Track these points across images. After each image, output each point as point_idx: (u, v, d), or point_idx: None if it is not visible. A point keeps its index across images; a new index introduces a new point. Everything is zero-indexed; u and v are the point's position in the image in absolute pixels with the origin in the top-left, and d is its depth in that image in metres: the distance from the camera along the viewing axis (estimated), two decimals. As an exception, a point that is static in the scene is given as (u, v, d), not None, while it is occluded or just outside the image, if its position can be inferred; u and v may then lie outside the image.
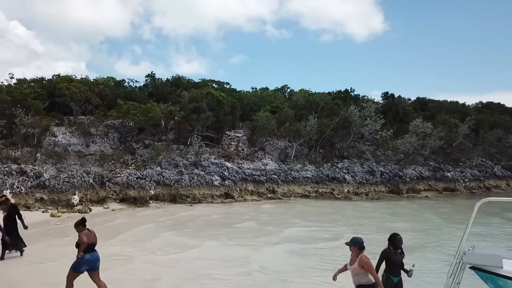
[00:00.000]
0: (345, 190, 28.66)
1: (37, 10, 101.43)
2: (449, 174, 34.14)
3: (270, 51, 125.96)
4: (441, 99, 48.13)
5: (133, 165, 26.35)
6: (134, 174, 24.12)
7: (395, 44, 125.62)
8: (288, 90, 46.04)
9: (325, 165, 30.86)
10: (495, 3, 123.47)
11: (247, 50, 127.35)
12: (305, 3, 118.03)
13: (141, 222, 16.80)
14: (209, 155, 27.95)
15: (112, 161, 25.86)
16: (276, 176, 27.81)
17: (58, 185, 20.48)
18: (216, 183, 24.70)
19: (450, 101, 47.15)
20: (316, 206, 23.52)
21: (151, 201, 22.90)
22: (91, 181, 21.92)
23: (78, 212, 19.17)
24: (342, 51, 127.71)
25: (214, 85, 40.04)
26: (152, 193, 22.81)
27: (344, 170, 30.64)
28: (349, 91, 42.34)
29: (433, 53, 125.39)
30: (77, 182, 21.13)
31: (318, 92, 41.85)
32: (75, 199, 19.85)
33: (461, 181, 33.88)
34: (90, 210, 19.60)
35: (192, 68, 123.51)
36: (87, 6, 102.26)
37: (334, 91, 42.85)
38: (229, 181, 25.21)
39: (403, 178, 31.68)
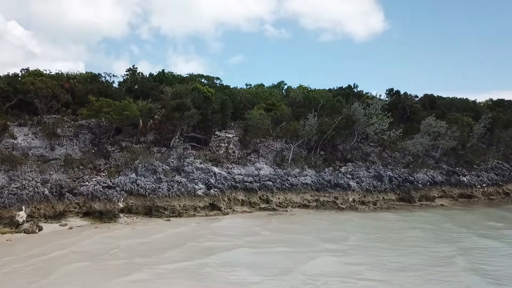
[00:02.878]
0: (350, 199, 25.03)
1: (33, 11, 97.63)
2: (465, 179, 30.55)
3: (269, 51, 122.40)
4: (448, 96, 44.49)
5: (105, 171, 22.71)
6: (104, 183, 20.43)
7: (396, 43, 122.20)
8: (285, 86, 42.41)
9: (326, 170, 27.25)
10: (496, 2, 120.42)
11: (246, 50, 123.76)
12: (304, 3, 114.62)
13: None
14: (194, 158, 24.28)
15: (81, 167, 22.22)
16: (271, 183, 24.17)
17: (1, 198, 16.73)
18: (199, 192, 21.02)
19: (460, 98, 43.65)
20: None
21: (121, 215, 19.24)
22: (46, 192, 18.18)
23: (24, 232, 15.53)
24: (342, 50, 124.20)
25: (203, 80, 36.37)
26: (121, 205, 19.11)
27: (348, 175, 27.02)
28: (352, 87, 38.75)
29: (434, 51, 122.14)
30: (26, 194, 17.38)
31: (318, 89, 38.31)
32: (21, 215, 16.13)
33: (479, 186, 30.32)
34: (40, 229, 15.93)
35: (191, 68, 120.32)
36: (84, 7, 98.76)
37: (336, 88, 39.33)
38: (216, 189, 21.55)
39: (414, 184, 28.09)
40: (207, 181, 22.09)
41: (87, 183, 20.62)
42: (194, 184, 21.49)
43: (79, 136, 25.52)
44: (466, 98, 44.26)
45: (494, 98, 48.19)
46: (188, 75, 36.96)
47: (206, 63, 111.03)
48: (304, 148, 29.72)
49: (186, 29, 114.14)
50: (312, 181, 25.58)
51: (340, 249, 13.81)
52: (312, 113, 29.67)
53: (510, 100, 47.26)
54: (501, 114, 39.40)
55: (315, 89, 38.18)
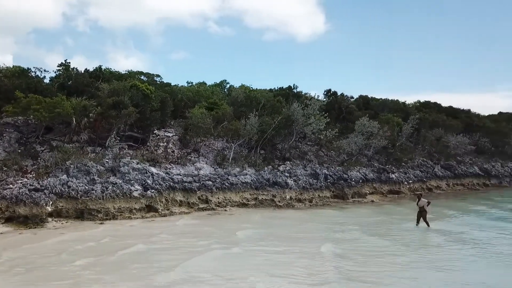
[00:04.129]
0: (287, 197, 25.87)
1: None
2: (393, 176, 32.84)
3: (213, 48, 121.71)
4: (381, 97, 47.37)
5: (33, 173, 21.43)
6: (30, 185, 19.28)
7: (335, 45, 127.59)
8: (228, 85, 42.60)
9: (265, 168, 27.90)
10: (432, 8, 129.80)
11: (189, 47, 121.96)
12: (248, 1, 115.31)
13: None
14: (131, 158, 23.69)
15: (4, 168, 20.78)
16: (210, 183, 24.26)
17: None
18: (135, 193, 20.58)
19: (392, 100, 46.67)
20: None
21: (50, 219, 18.31)
22: (-38, 197, 16.83)
23: None
24: (284, 50, 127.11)
25: (142, 77, 35.44)
26: (49, 209, 18.20)
27: (286, 174, 27.88)
28: (292, 87, 39.89)
29: (370, 53, 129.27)
30: None
31: (260, 89, 38.96)
32: None
33: (406, 183, 32.75)
34: (-45, 238, 14.74)
35: (131, 64, 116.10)
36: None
37: (276, 88, 40.26)
38: (153, 190, 21.21)
39: (348, 181, 29.65)
40: (144, 182, 21.66)
41: (11, 186, 19.35)
42: (130, 185, 20.99)
43: (4, 135, 23.85)
44: (397, 100, 47.41)
45: (422, 100, 52.16)
46: (126, 72, 35.81)
47: (147, 59, 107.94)
48: (245, 147, 30.17)
49: (126, 22, 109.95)
50: (252, 180, 26.05)
51: (228, 246, 14.16)
52: (253, 113, 30.18)
53: (435, 102, 51.33)
54: (427, 115, 42.70)
55: (256, 88, 38.81)
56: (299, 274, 10.90)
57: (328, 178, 29.21)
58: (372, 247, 14.30)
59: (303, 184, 27.38)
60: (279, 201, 25.35)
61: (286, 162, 29.70)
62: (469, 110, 51.84)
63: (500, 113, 59.28)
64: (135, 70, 36.68)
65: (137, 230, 17.10)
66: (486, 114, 55.33)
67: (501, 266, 12.20)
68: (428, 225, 18.42)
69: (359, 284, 10.09)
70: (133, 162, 23.05)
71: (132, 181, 21.41)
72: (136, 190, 20.81)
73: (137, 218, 19.63)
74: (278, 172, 27.85)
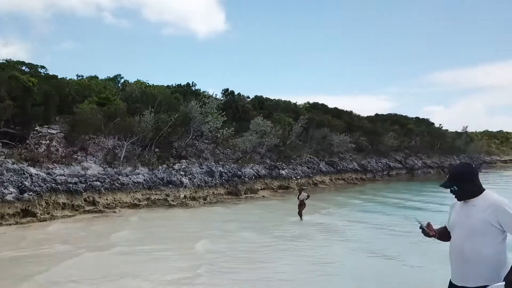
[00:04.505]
0: (182, 195, 26.10)
1: None
2: (283, 172, 35.29)
3: (107, 40, 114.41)
4: (275, 98, 50.41)
5: None
6: None
7: (234, 44, 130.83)
8: (122, 80, 40.86)
9: (160, 167, 27.70)
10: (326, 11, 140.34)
11: (80, 37, 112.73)
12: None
13: None
14: (6, 158, 21.50)
15: None
16: (99, 183, 23.26)
17: None
18: (9, 197, 18.76)
19: (284, 100, 49.82)
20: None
21: None
22: None
23: None
24: (183, 46, 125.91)
25: (24, 68, 32.12)
26: None
27: (182, 172, 28.08)
28: (190, 85, 40.02)
29: (265, 56, 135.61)
30: None
31: (157, 85, 38.25)
32: None
33: (294, 178, 35.47)
34: None
35: (10, 53, 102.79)
36: None
37: (174, 85, 39.94)
38: (31, 193, 19.57)
39: (242, 178, 31.05)
40: (20, 184, 19.83)
41: None
42: (2, 188, 19.04)
43: None
44: (289, 100, 50.82)
45: (311, 101, 56.79)
46: (4, 61, 32.07)
47: (30, 48, 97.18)
48: (138, 146, 29.48)
49: (6, 6, 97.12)
50: (144, 180, 25.63)
51: (99, 250, 13.82)
52: (149, 109, 29.66)
53: (323, 103, 56.27)
54: (315, 116, 46.66)
55: (153, 84, 38.04)
56: (169, 274, 11.06)
57: (223, 175, 30.18)
58: (250, 243, 15.16)
59: (198, 182, 27.87)
60: (172, 200, 25.42)
61: (182, 161, 29.84)
62: (351, 112, 58.00)
63: (376, 114, 67.46)
64: (15, 60, 33.03)
65: (2, 238, 15.64)
66: (365, 115, 62.55)
67: (364, 251, 14.14)
68: (301, 218, 20.24)
69: (228, 281, 10.67)
70: (8, 162, 20.97)
71: (6, 183, 19.45)
72: (10, 193, 18.97)
73: (10, 224, 17.94)
74: (173, 171, 27.86)
